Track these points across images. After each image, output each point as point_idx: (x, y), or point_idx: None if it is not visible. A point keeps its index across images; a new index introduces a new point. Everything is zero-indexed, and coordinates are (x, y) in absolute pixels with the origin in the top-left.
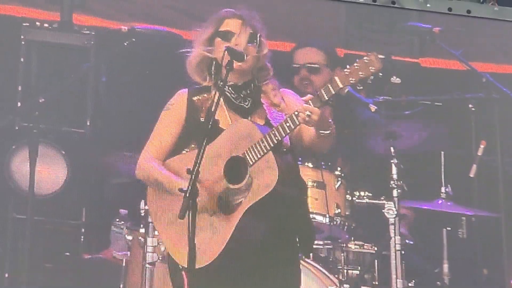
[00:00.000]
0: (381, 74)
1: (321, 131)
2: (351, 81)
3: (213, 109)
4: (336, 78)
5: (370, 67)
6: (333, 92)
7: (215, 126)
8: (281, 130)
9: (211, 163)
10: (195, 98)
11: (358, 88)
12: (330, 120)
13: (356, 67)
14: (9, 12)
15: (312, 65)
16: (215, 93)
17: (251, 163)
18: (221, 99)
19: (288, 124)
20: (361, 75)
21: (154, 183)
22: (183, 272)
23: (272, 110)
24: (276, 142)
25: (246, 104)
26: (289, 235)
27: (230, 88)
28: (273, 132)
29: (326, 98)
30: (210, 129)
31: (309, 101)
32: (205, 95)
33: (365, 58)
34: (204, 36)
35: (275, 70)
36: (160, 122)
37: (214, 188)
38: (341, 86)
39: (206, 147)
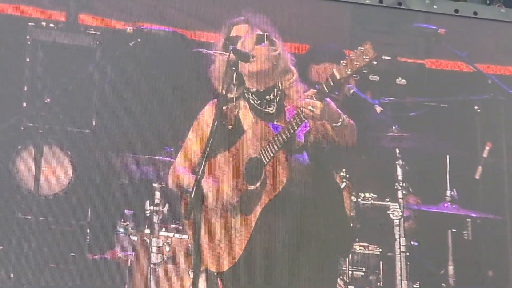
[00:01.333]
0: (375, 62)
1: (333, 124)
2: (347, 72)
3: (233, 112)
4: (335, 71)
5: (364, 56)
6: (332, 84)
7: (239, 130)
8: (289, 127)
9: (233, 166)
10: (224, 108)
11: (354, 77)
12: (340, 112)
13: (352, 57)
14: (15, 12)
15: None
16: (238, 99)
17: (266, 162)
18: (247, 105)
19: (295, 121)
20: (356, 65)
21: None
22: (218, 279)
23: (292, 113)
24: (286, 139)
25: (271, 109)
26: (316, 235)
27: (253, 95)
28: (283, 130)
29: (327, 91)
30: (216, 130)
31: (312, 96)
32: (233, 103)
33: (360, 48)
34: (219, 45)
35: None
36: (191, 132)
37: (236, 190)
38: (339, 77)
39: (209, 148)
